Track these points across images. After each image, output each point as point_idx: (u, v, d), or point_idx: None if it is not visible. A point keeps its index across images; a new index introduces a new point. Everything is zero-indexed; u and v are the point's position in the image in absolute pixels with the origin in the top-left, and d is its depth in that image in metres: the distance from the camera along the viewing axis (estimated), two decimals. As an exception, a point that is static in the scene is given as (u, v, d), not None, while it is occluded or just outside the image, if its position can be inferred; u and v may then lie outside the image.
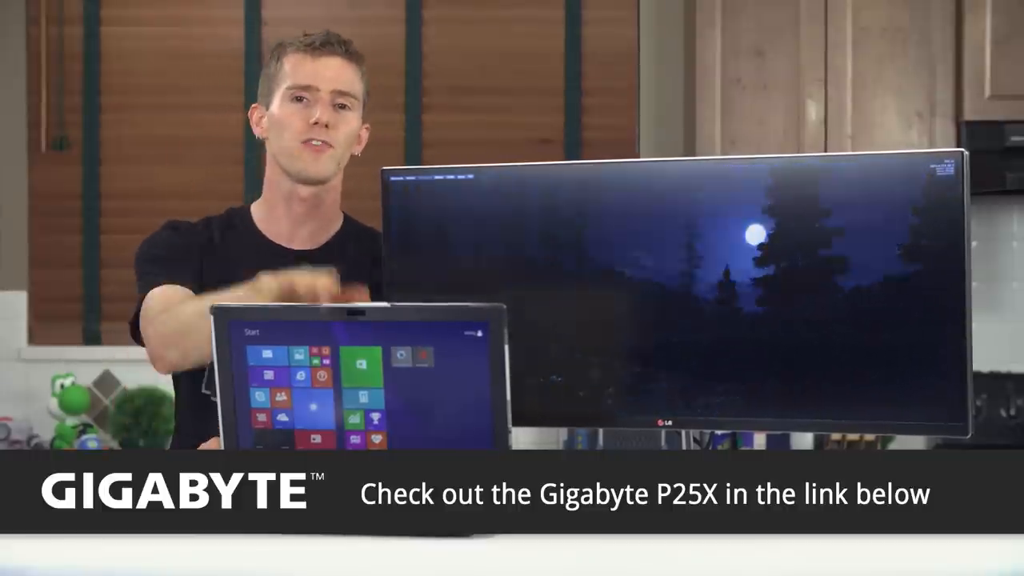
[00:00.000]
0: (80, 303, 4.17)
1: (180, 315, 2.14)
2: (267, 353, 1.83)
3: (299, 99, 2.24)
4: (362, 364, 1.80)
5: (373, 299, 2.16)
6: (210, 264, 2.28)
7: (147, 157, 4.18)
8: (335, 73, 2.26)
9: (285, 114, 2.25)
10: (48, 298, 4.20)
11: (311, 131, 2.22)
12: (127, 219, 4.11)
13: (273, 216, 2.32)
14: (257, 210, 2.35)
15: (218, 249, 2.30)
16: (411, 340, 1.78)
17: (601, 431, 3.65)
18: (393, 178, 2.08)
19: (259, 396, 1.84)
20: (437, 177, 2.06)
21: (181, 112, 4.17)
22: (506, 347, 1.74)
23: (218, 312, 1.84)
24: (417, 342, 1.77)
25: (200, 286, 2.22)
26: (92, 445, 3.77)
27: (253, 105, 2.33)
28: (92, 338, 4.15)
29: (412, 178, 2.08)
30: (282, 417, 1.84)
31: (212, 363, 2.16)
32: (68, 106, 4.17)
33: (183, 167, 4.16)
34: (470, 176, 2.05)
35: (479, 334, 1.75)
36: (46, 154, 4.17)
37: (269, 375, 1.83)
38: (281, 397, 1.83)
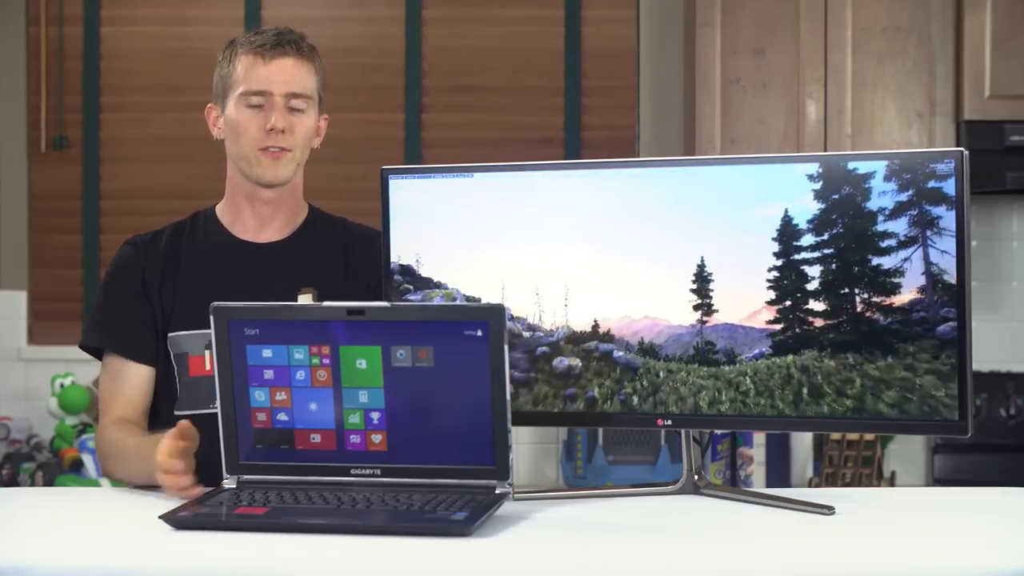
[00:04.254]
0: (80, 303, 4.17)
1: (110, 449, 2.17)
2: (267, 352, 1.83)
3: (254, 105, 2.24)
4: (362, 363, 1.80)
5: (362, 299, 2.14)
6: (177, 275, 2.28)
7: (147, 157, 4.18)
8: (288, 75, 2.24)
9: (241, 120, 2.25)
10: (48, 298, 4.19)
11: (268, 138, 2.23)
12: (127, 219, 4.10)
13: (239, 216, 2.33)
14: (222, 211, 2.36)
15: (186, 258, 2.30)
16: (411, 340, 1.78)
17: (601, 431, 3.65)
18: (393, 177, 2.08)
19: (259, 395, 1.84)
20: (436, 176, 2.06)
21: (181, 112, 4.16)
22: (506, 347, 1.74)
23: (218, 311, 1.84)
24: (417, 342, 1.78)
25: (152, 336, 2.25)
26: (92, 445, 3.76)
27: (209, 105, 2.33)
28: (92, 338, 4.14)
29: (412, 177, 2.08)
30: (282, 416, 1.84)
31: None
32: (68, 106, 4.17)
33: (183, 167, 4.15)
34: (469, 175, 2.05)
35: (479, 334, 1.75)
36: (46, 154, 4.17)
37: (269, 374, 1.83)
38: (281, 396, 1.83)
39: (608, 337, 1.98)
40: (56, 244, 4.19)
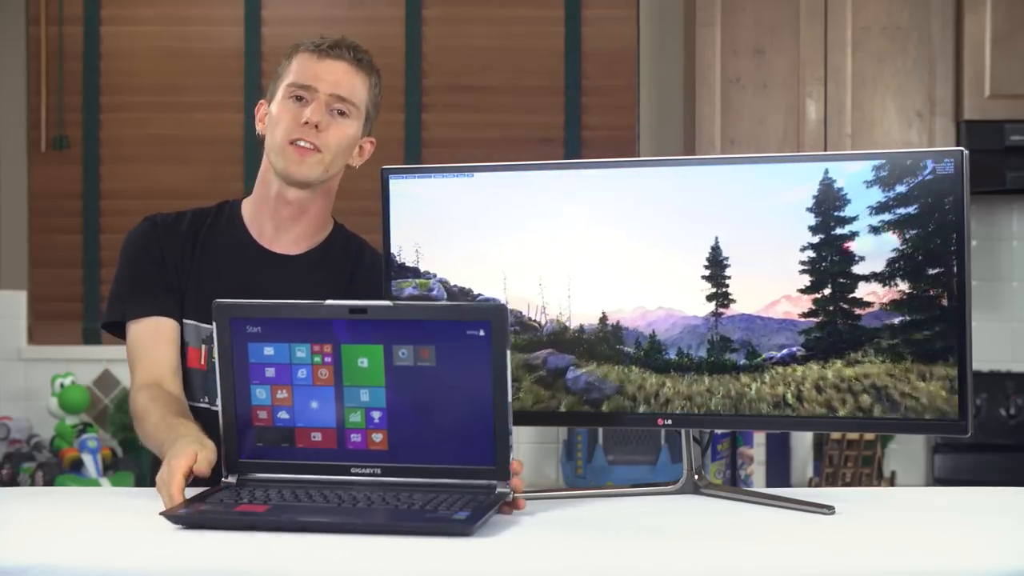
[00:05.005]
0: (80, 303, 4.17)
1: (136, 415, 2.15)
2: (268, 350, 1.83)
3: (298, 98, 2.24)
4: (363, 362, 1.80)
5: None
6: (192, 261, 2.28)
7: (147, 157, 4.18)
8: (337, 77, 2.24)
9: (281, 111, 2.24)
10: (48, 298, 4.19)
11: (300, 130, 2.21)
12: (127, 219, 4.05)
13: (259, 216, 2.32)
14: (247, 207, 2.35)
15: (202, 246, 2.30)
16: (413, 339, 1.78)
17: (601, 431, 3.65)
18: (393, 177, 2.08)
19: (260, 393, 1.84)
20: (436, 176, 2.06)
21: (181, 112, 4.17)
22: (508, 347, 1.74)
23: (219, 308, 1.84)
24: (419, 341, 1.77)
25: (174, 298, 2.24)
26: (92, 445, 3.76)
27: (260, 101, 2.34)
28: (92, 338, 4.14)
29: (412, 177, 2.08)
30: (283, 415, 1.84)
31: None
32: (68, 106, 4.17)
33: (183, 167, 4.16)
34: (469, 175, 2.05)
35: (481, 333, 1.75)
36: (46, 154, 4.17)
37: (270, 372, 1.83)
38: (282, 395, 1.83)
39: (609, 335, 1.96)
40: (56, 244, 4.19)
